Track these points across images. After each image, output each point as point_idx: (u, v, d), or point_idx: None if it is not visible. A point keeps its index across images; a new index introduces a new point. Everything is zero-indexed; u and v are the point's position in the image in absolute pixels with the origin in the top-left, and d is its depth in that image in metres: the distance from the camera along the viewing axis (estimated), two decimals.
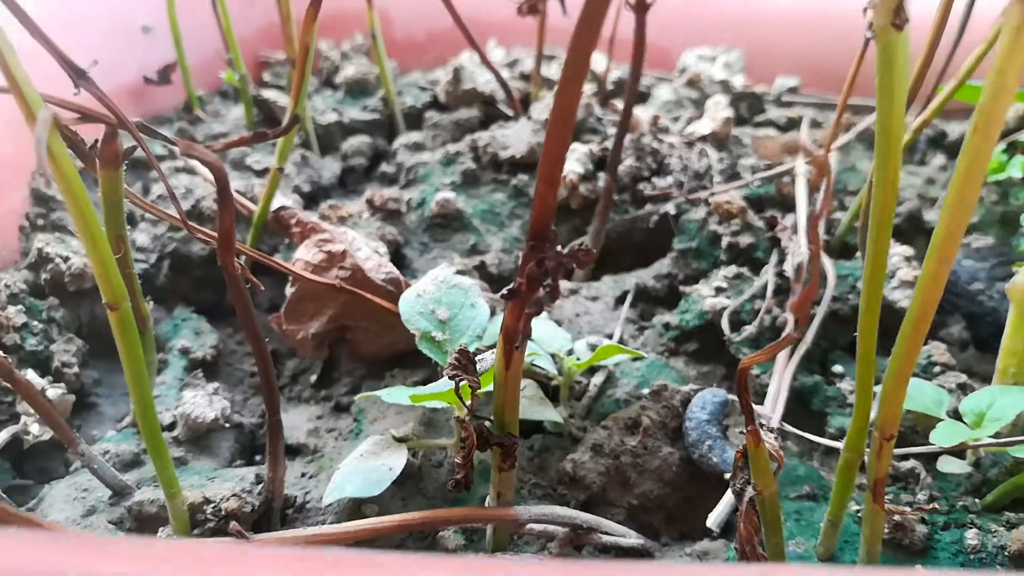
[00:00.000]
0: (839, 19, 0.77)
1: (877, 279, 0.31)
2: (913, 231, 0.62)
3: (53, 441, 0.45)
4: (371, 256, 0.47)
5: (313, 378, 0.52)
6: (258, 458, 0.48)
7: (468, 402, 0.34)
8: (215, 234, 0.35)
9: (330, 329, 0.47)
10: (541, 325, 0.47)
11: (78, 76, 0.29)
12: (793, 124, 0.70)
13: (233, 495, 0.38)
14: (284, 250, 0.55)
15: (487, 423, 0.35)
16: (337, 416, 0.48)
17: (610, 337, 0.51)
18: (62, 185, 0.28)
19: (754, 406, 0.45)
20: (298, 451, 0.46)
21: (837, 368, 0.49)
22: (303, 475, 0.44)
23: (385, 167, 0.67)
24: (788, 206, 0.59)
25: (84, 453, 0.39)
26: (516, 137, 0.59)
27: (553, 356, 0.45)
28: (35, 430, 0.45)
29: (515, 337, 0.31)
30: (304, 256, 0.47)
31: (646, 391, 0.47)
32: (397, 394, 0.40)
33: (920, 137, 0.71)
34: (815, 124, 0.71)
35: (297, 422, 0.48)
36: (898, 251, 0.52)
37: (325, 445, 0.46)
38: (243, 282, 0.29)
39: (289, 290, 0.48)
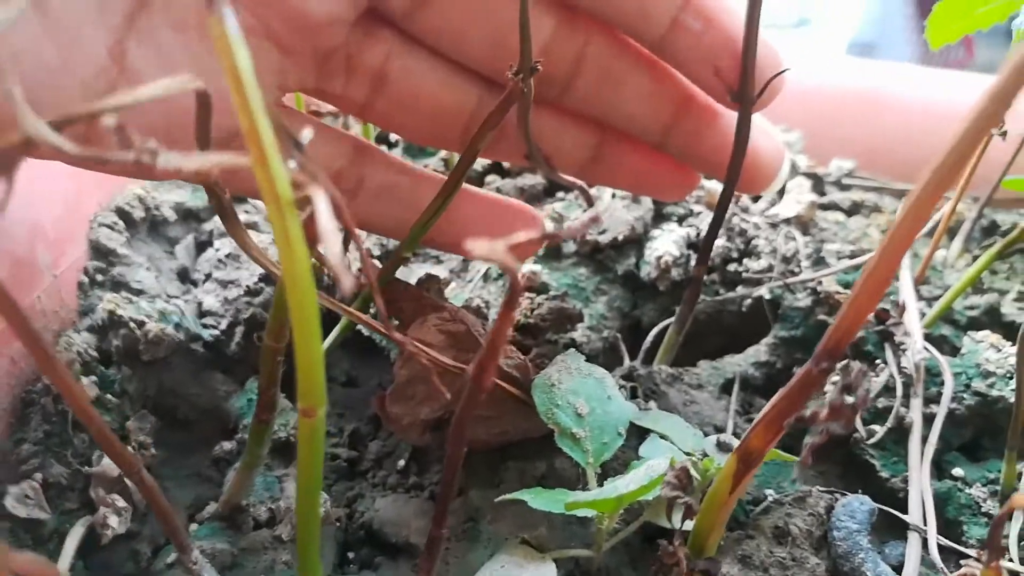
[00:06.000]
0: (894, 102, 0.78)
1: None
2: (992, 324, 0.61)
3: (129, 533, 0.40)
4: None
5: (401, 463, 0.48)
6: (351, 555, 0.43)
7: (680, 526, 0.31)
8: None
9: (440, 416, 0.44)
10: (668, 419, 0.44)
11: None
12: (857, 207, 0.70)
13: None
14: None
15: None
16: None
17: (720, 430, 0.49)
18: (287, 265, 0.24)
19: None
20: (405, 550, 0.42)
21: (957, 471, 0.47)
22: None
23: None
24: None
25: (197, 562, 0.35)
26: (611, 218, 0.57)
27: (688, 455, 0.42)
28: (114, 523, 0.39)
29: (757, 459, 0.28)
30: (420, 335, 0.43)
31: (770, 491, 0.45)
32: (545, 501, 0.36)
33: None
34: (875, 209, 0.71)
35: (393, 515, 0.44)
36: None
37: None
38: None
39: (398, 370, 0.44)
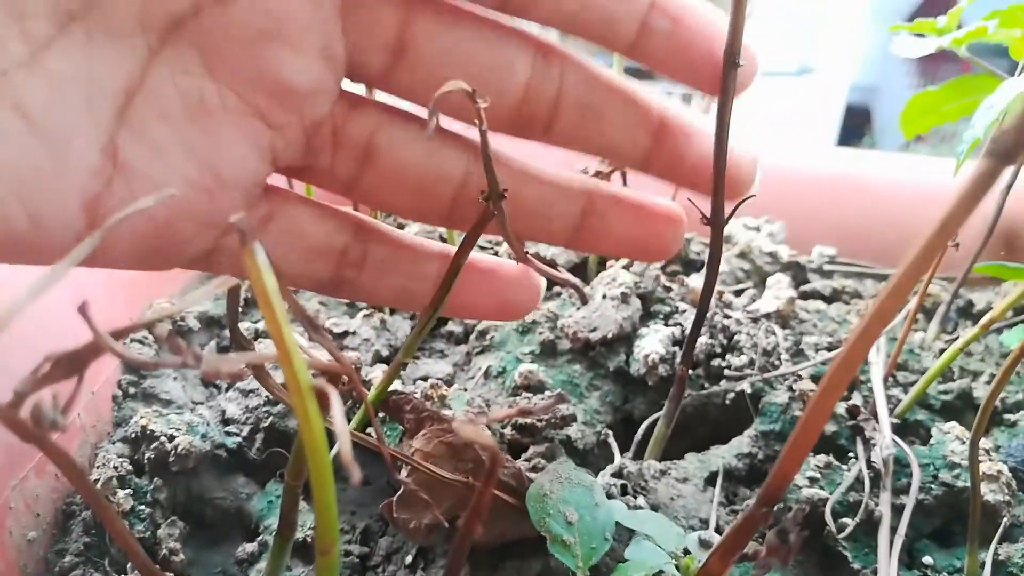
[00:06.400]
0: (872, 188, 0.82)
1: None
2: (965, 407, 0.65)
3: None
4: None
5: (408, 559, 0.52)
6: None
7: None
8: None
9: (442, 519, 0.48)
10: (653, 519, 0.48)
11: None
12: (837, 294, 0.74)
13: None
14: (392, 434, 0.55)
15: None
16: None
17: (705, 523, 0.53)
18: (307, 437, 0.28)
19: None
20: None
21: (927, 559, 0.51)
22: None
23: (452, 326, 0.69)
24: (851, 386, 0.62)
25: None
26: (601, 317, 0.61)
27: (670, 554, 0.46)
28: None
29: None
30: (422, 447, 0.47)
31: None
32: None
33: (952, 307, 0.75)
34: (855, 295, 0.75)
35: None
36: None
37: None
38: None
39: (404, 478, 0.48)
